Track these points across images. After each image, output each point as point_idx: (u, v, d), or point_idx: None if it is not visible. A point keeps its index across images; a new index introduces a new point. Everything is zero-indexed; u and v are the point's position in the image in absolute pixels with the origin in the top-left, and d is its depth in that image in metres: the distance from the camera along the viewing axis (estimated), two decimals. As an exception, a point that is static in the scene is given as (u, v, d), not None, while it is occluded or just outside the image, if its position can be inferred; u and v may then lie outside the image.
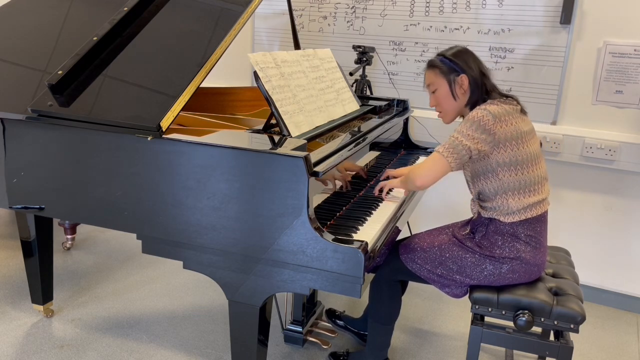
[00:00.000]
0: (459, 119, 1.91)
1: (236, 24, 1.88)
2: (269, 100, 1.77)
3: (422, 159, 2.61)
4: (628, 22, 2.57)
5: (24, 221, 2.30)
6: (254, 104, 2.60)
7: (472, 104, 1.81)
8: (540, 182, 1.78)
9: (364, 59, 2.87)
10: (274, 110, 1.77)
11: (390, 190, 2.01)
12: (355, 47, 2.88)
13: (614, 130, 2.69)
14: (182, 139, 1.59)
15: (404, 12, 3.00)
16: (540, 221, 1.79)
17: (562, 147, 2.75)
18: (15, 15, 2.19)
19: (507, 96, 1.81)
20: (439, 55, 1.85)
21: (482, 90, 1.80)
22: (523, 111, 1.80)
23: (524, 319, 1.71)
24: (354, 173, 2.00)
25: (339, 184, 1.84)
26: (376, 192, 1.96)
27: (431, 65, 1.85)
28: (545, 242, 1.83)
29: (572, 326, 1.72)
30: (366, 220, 1.77)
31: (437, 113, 1.92)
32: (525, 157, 1.73)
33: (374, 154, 2.26)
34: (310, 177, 1.47)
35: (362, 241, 1.47)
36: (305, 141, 1.62)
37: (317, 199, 1.67)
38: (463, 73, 1.79)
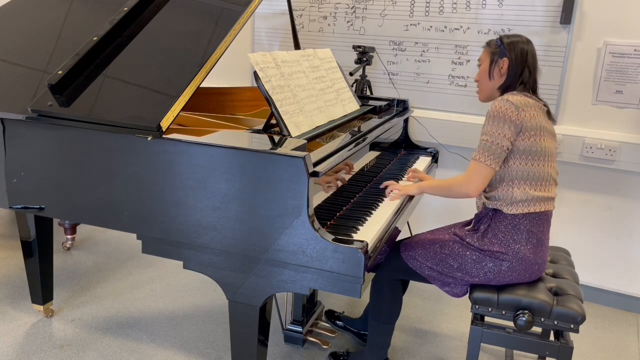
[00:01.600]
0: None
1: (236, 24, 1.88)
2: (269, 100, 1.77)
3: (422, 159, 2.61)
4: (628, 22, 2.57)
5: (24, 221, 2.30)
6: (254, 104, 2.60)
7: (505, 88, 1.86)
8: (548, 181, 1.79)
9: (364, 59, 2.87)
10: (274, 110, 1.77)
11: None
12: (355, 47, 2.88)
13: (614, 130, 2.69)
14: (182, 139, 1.59)
15: (404, 12, 3.00)
16: (543, 219, 1.79)
17: (562, 147, 2.75)
18: (15, 15, 2.19)
19: (537, 97, 1.84)
20: (499, 36, 1.91)
21: (518, 80, 1.83)
22: (549, 113, 1.84)
23: (524, 319, 1.71)
24: (350, 176, 2.00)
25: (337, 184, 1.85)
26: (388, 190, 1.98)
27: (487, 43, 1.93)
28: (547, 243, 1.83)
29: (572, 326, 1.72)
30: (366, 220, 1.77)
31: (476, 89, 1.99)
32: (539, 150, 1.75)
33: (374, 154, 2.26)
34: (310, 177, 1.47)
35: (362, 241, 1.48)
36: (305, 141, 1.62)
37: (317, 199, 1.67)
38: (506, 57, 1.84)
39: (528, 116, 1.73)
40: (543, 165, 1.77)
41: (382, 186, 2.04)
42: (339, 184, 1.86)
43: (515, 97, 1.76)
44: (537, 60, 1.87)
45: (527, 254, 1.77)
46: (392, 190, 1.97)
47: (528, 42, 1.87)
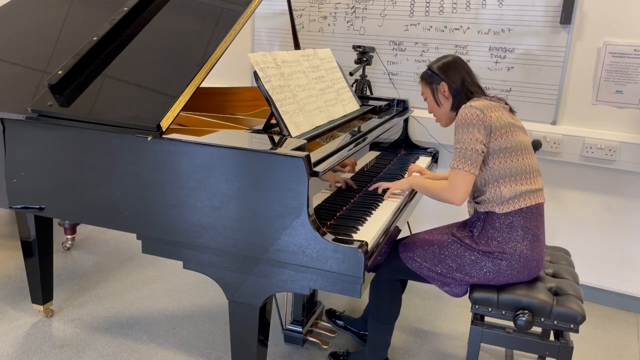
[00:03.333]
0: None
1: (236, 24, 1.88)
2: (269, 100, 1.77)
3: (422, 159, 2.61)
4: (628, 22, 2.57)
5: (24, 221, 2.30)
6: (254, 104, 2.60)
7: (457, 107, 1.91)
8: (532, 173, 1.81)
9: (364, 59, 2.87)
10: (274, 110, 1.77)
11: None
12: (355, 47, 2.88)
13: (614, 130, 2.69)
14: (182, 139, 1.59)
15: (404, 12, 3.00)
16: (535, 213, 1.80)
17: (562, 147, 2.75)
18: (15, 15, 2.19)
19: (495, 97, 1.89)
20: (427, 67, 1.99)
21: (465, 95, 1.89)
22: (512, 110, 1.89)
23: (524, 319, 1.71)
24: (352, 174, 2.00)
25: (338, 184, 1.85)
26: (379, 191, 2.01)
27: (421, 77, 2.02)
28: (543, 237, 1.84)
29: (572, 326, 1.72)
30: (366, 220, 1.77)
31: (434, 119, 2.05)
32: (515, 145, 1.78)
33: (374, 154, 2.26)
34: (310, 177, 1.47)
35: (362, 241, 1.48)
36: (305, 141, 1.62)
37: (317, 199, 1.67)
38: (442, 81, 1.91)
39: (494, 116, 1.77)
40: (522, 159, 1.80)
41: (371, 189, 2.03)
42: (347, 180, 1.87)
43: (477, 102, 1.80)
44: (468, 65, 1.96)
45: (524, 250, 1.78)
46: (383, 190, 1.99)
47: (454, 59, 1.95)
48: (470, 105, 1.78)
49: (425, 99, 2.01)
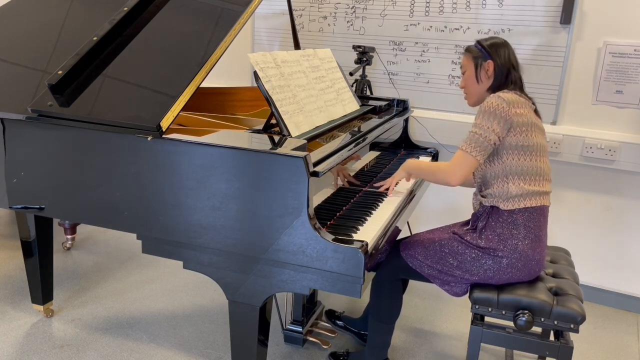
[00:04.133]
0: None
1: (236, 24, 1.88)
2: (269, 100, 1.77)
3: (422, 159, 2.61)
4: (628, 22, 2.57)
5: (24, 221, 2.30)
6: (254, 104, 2.60)
7: (494, 89, 1.89)
8: (543, 176, 1.82)
9: (364, 59, 2.87)
10: (274, 110, 1.77)
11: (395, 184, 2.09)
12: (355, 47, 2.88)
13: (614, 130, 2.69)
14: (182, 139, 1.59)
15: (404, 12, 3.00)
16: (539, 214, 1.80)
17: (562, 147, 2.75)
18: (15, 15, 2.19)
19: (526, 94, 1.89)
20: (477, 41, 1.95)
21: (507, 79, 1.88)
22: (536, 112, 1.88)
23: (524, 319, 1.71)
24: (352, 174, 2.01)
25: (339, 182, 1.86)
26: (382, 189, 2.04)
27: (467, 49, 1.97)
28: (545, 239, 1.84)
29: (572, 326, 1.72)
30: (366, 220, 1.77)
31: (464, 95, 2.03)
32: (532, 145, 1.78)
33: (374, 154, 2.26)
34: (310, 177, 1.47)
35: (362, 241, 1.48)
36: (305, 141, 1.62)
37: (317, 199, 1.67)
38: (490, 59, 1.88)
39: (519, 113, 1.77)
40: (536, 160, 1.80)
41: (381, 189, 2.05)
42: (350, 176, 1.91)
43: (507, 95, 1.79)
44: (517, 58, 1.93)
45: (525, 249, 1.78)
46: (386, 188, 2.03)
47: (505, 42, 1.92)
48: (498, 96, 1.78)
49: (463, 73, 1.97)
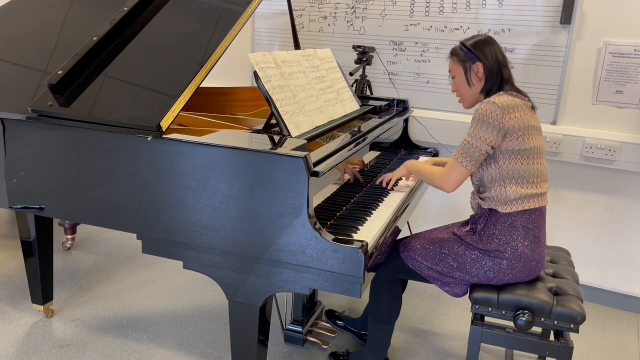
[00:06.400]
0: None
1: (236, 24, 1.88)
2: (269, 100, 1.77)
3: (422, 159, 2.61)
4: (628, 22, 2.57)
5: (24, 221, 2.29)
6: (254, 104, 2.60)
7: (487, 91, 1.87)
8: (540, 177, 1.81)
9: (364, 59, 2.87)
10: (274, 110, 1.77)
11: (396, 182, 2.11)
12: (355, 47, 2.88)
13: (614, 130, 2.69)
14: (182, 139, 1.59)
15: (404, 12, 3.00)
16: (538, 215, 1.80)
17: (562, 147, 2.75)
18: (15, 15, 2.19)
19: (520, 91, 1.85)
20: (460, 43, 1.90)
21: (498, 79, 1.84)
22: (533, 107, 1.86)
23: (524, 319, 1.71)
24: (358, 168, 2.02)
25: (346, 176, 1.89)
26: (383, 184, 2.08)
27: (452, 53, 1.92)
28: (544, 239, 1.84)
29: (572, 326, 1.72)
30: (366, 220, 1.77)
31: (457, 98, 1.99)
32: (529, 148, 1.77)
33: (374, 154, 2.26)
34: (310, 177, 1.47)
35: (362, 241, 1.48)
36: (305, 141, 1.62)
37: (317, 199, 1.67)
38: (478, 61, 1.84)
39: (514, 117, 1.73)
40: (533, 163, 1.79)
41: (377, 182, 2.10)
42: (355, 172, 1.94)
43: (501, 99, 1.75)
44: (503, 53, 1.88)
45: (524, 250, 1.78)
46: (386, 183, 2.07)
47: (489, 38, 1.87)
48: (492, 102, 1.73)
49: (452, 77, 1.92)
